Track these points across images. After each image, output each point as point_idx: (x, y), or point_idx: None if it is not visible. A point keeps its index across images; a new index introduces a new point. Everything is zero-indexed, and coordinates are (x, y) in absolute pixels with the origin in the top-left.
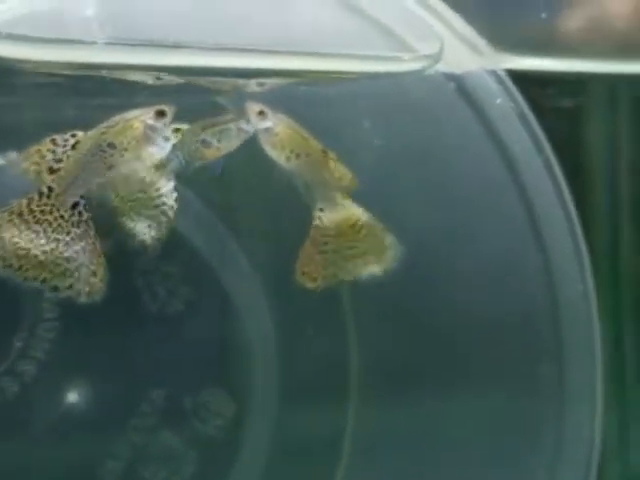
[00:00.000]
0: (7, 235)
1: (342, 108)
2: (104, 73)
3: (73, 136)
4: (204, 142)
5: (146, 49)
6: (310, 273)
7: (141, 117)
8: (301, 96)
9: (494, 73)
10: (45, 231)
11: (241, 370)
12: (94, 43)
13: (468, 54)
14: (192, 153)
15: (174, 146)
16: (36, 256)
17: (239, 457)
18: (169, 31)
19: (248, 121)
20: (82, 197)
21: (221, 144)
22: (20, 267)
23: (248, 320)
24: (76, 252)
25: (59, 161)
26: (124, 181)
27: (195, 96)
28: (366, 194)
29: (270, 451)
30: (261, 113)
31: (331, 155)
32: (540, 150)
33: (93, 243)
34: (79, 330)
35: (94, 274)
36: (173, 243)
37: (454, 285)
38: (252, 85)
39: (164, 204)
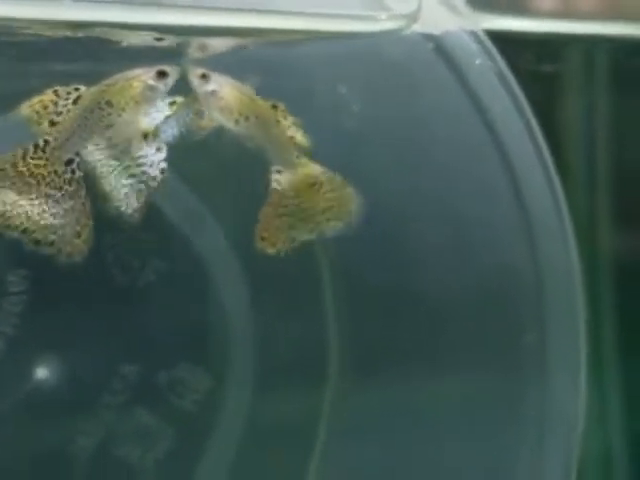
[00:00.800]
0: None
1: (313, 72)
2: (79, 33)
3: (76, 90)
4: (198, 113)
5: (123, 6)
6: (270, 238)
7: (141, 77)
8: (270, 60)
9: (473, 33)
10: (38, 184)
11: (217, 345)
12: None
13: (446, 13)
14: (188, 125)
15: (169, 118)
16: (22, 206)
17: (215, 432)
18: None
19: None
20: (77, 154)
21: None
22: (3, 214)
23: (224, 294)
24: (64, 210)
25: (59, 114)
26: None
27: (170, 60)
28: (343, 159)
29: (246, 427)
30: (204, 76)
31: (282, 113)
32: (520, 111)
33: (82, 204)
34: (47, 303)
35: (78, 235)
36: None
37: (431, 255)
38: (193, 49)
39: (145, 173)
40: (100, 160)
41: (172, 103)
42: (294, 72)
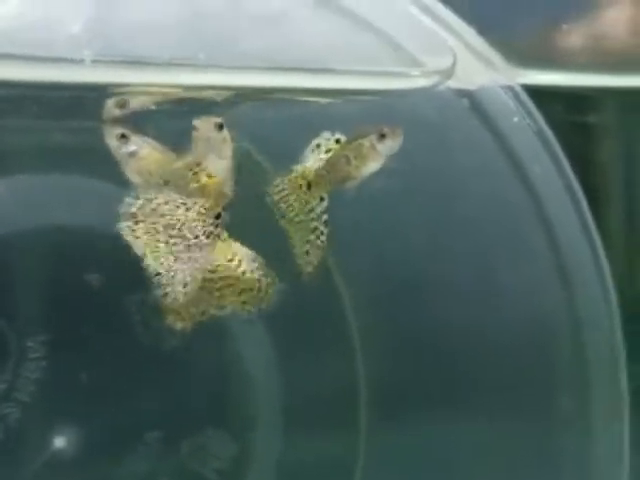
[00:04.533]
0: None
1: (346, 129)
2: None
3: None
4: (346, 158)
5: (137, 66)
6: (180, 312)
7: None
8: (301, 118)
9: (510, 89)
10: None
11: (241, 407)
12: (82, 61)
13: (482, 69)
14: (338, 169)
15: (329, 160)
16: (158, 241)
17: None
18: (159, 48)
19: (380, 139)
20: (224, 209)
21: (357, 162)
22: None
23: (247, 353)
24: (188, 258)
25: None
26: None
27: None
28: (374, 219)
29: None
30: (123, 137)
31: (209, 178)
32: (561, 171)
33: (205, 260)
34: (66, 370)
35: (184, 285)
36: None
37: (467, 306)
38: (111, 106)
39: (317, 228)
40: (282, 219)
41: (337, 141)
42: (325, 130)
